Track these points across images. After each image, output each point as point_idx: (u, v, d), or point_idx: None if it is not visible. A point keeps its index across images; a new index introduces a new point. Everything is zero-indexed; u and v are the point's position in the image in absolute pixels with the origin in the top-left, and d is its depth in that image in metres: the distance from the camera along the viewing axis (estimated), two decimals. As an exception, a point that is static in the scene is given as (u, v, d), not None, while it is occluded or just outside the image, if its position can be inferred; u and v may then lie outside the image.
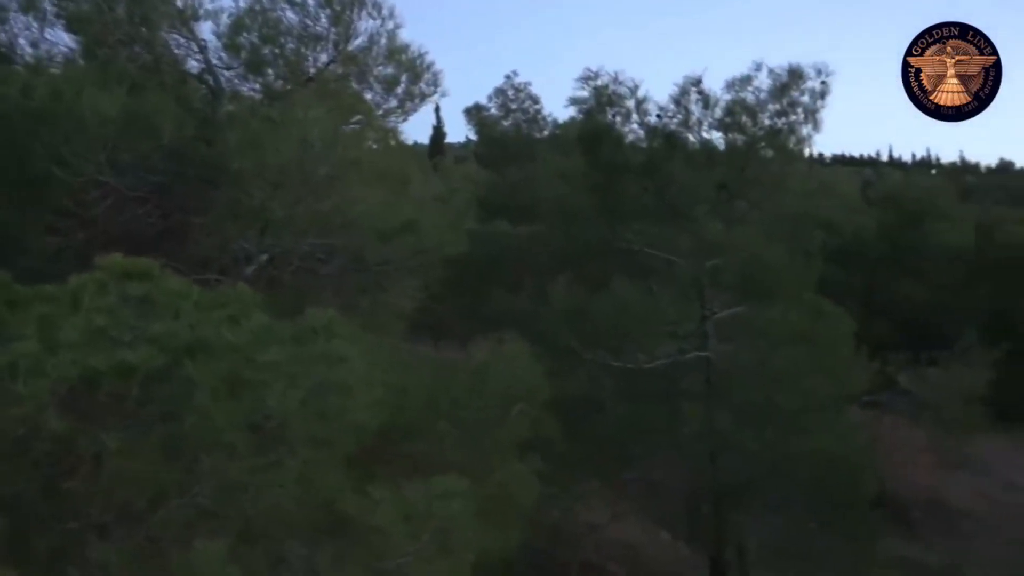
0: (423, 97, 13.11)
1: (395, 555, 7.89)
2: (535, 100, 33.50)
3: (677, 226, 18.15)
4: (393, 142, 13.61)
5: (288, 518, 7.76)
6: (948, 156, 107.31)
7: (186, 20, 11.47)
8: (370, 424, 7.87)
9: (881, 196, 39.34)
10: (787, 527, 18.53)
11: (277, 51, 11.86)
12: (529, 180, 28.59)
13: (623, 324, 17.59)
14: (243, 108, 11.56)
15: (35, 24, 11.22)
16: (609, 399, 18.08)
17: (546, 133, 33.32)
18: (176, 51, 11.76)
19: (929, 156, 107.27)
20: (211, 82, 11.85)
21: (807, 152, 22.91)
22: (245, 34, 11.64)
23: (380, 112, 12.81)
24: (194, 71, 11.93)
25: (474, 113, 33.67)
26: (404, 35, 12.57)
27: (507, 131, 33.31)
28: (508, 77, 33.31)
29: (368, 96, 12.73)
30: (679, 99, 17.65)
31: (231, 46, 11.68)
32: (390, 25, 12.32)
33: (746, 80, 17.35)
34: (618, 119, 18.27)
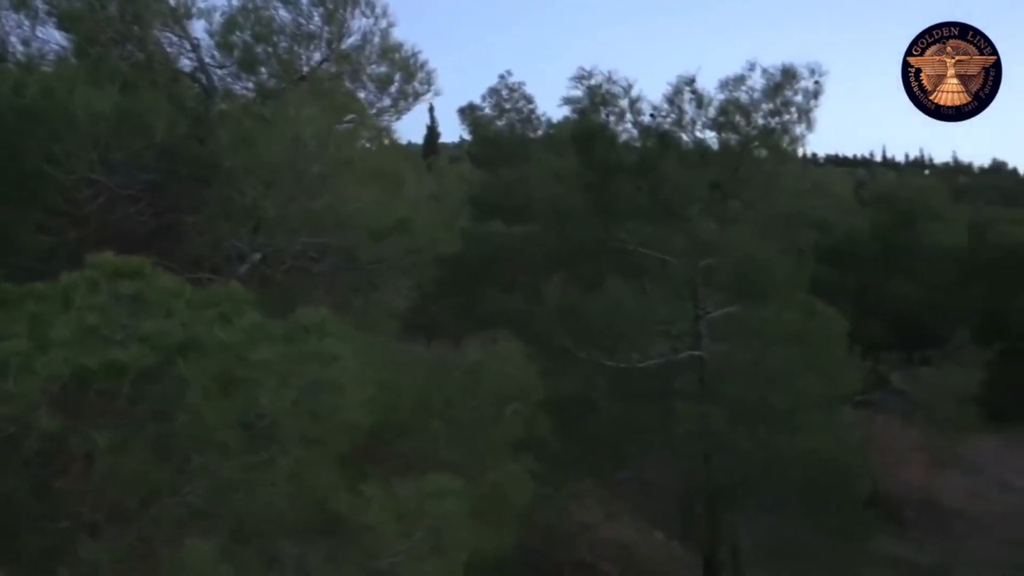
0: (416, 96, 13.09)
1: (388, 554, 7.88)
2: (529, 100, 33.44)
3: (671, 226, 18.15)
4: (386, 141, 13.59)
5: (280, 517, 7.74)
6: (941, 156, 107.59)
7: (179, 18, 11.44)
8: (363, 423, 7.86)
9: (874, 196, 39.44)
10: (780, 526, 18.53)
11: (270, 49, 11.82)
12: (523, 180, 28.55)
13: (617, 323, 17.59)
14: (236, 107, 11.52)
15: (26, 22, 11.17)
16: (603, 398, 18.07)
17: (540, 133, 33.24)
18: (168, 49, 11.72)
19: (922, 156, 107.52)
20: (204, 80, 11.82)
21: (800, 152, 22.95)
22: (238, 32, 11.60)
23: (373, 111, 12.78)
24: (187, 69, 11.89)
25: (468, 113, 33.62)
26: (397, 34, 12.55)
27: (501, 131, 33.24)
28: (502, 77, 33.25)
29: (361, 95, 12.70)
30: (673, 98, 17.66)
31: (224, 44, 11.65)
32: (383, 24, 12.30)
33: (740, 80, 17.37)
34: (612, 118, 18.30)
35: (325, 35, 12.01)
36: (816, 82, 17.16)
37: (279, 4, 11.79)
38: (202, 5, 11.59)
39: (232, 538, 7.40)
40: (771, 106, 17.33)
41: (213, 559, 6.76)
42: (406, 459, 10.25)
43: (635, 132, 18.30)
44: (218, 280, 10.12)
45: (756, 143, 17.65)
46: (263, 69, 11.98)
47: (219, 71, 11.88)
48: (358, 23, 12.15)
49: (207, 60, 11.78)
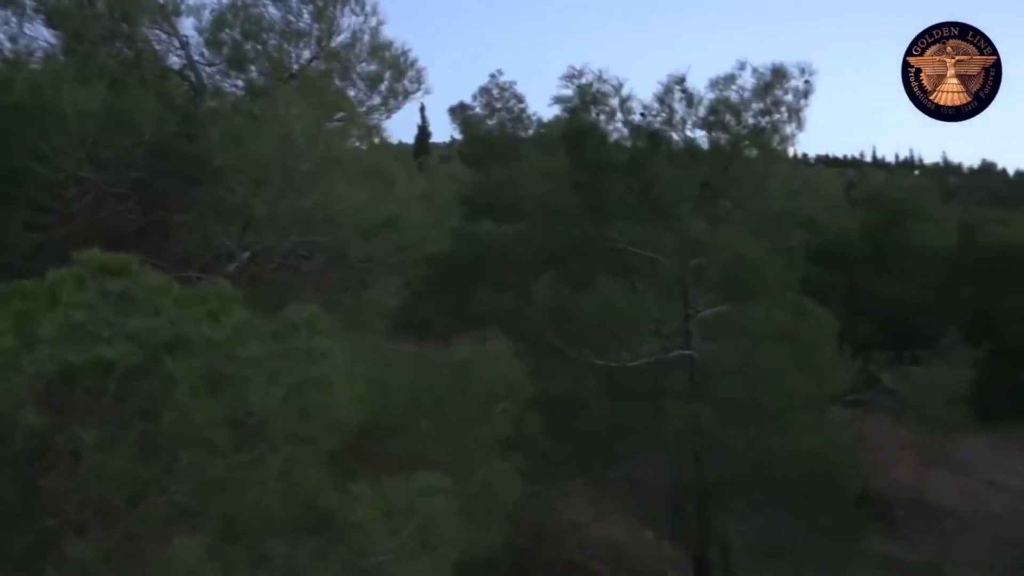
0: (406, 94, 13.07)
1: (377, 552, 7.85)
2: (520, 99, 33.48)
3: (661, 225, 18.15)
4: (376, 139, 13.57)
5: (270, 515, 7.70)
6: (931, 157, 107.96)
7: (167, 16, 11.40)
8: (352, 421, 7.83)
9: (864, 196, 39.50)
10: (771, 526, 18.55)
11: (259, 47, 11.80)
12: (513, 179, 28.54)
13: (607, 322, 17.58)
14: (225, 104, 11.49)
15: (14, 19, 11.12)
16: (593, 397, 18.06)
17: (531, 132, 33.25)
18: (157, 47, 11.68)
19: (912, 157, 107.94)
20: (193, 78, 11.79)
21: (791, 151, 22.96)
22: (227, 30, 11.58)
23: (363, 109, 12.76)
24: (176, 67, 11.86)
25: (459, 112, 33.62)
26: (387, 33, 12.54)
27: (492, 130, 33.25)
28: (493, 76, 33.26)
29: (351, 93, 12.68)
30: (663, 98, 17.66)
31: (213, 42, 11.62)
32: (373, 22, 12.30)
33: (730, 79, 17.36)
34: (602, 118, 18.27)
35: (315, 33, 11.99)
36: (806, 82, 17.19)
37: (268, 2, 11.79)
38: (191, 2, 11.60)
39: (221, 537, 7.36)
40: (761, 105, 17.33)
41: (200, 557, 6.72)
42: (396, 458, 10.22)
43: (625, 131, 18.30)
44: (207, 278, 10.07)
45: (746, 142, 17.65)
46: (252, 67, 11.96)
47: (208, 69, 11.86)
48: (348, 21, 12.16)
49: (196, 58, 11.75)
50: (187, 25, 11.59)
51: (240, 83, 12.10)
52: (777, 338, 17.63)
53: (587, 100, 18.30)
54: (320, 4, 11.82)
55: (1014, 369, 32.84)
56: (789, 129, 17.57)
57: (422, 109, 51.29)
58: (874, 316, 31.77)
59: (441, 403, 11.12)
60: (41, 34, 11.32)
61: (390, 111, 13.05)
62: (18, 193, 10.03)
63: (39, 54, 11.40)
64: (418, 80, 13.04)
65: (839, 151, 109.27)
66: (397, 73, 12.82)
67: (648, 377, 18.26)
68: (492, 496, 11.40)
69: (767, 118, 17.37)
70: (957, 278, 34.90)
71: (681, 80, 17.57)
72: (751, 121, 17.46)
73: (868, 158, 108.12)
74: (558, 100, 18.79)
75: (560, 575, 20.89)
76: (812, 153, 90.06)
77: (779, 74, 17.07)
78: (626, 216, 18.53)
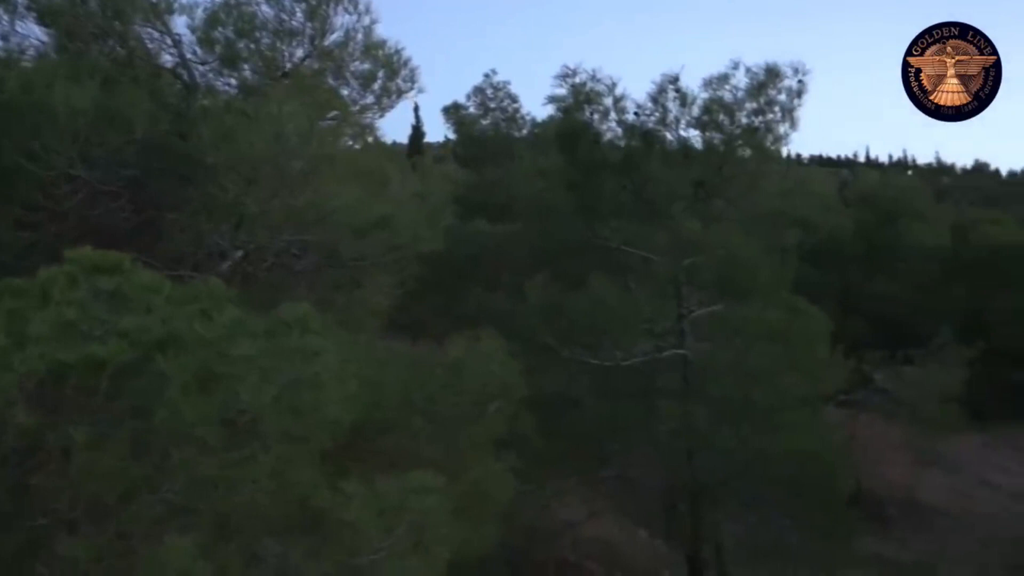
0: (400, 93, 13.03)
1: (369, 551, 7.84)
2: (514, 99, 33.37)
3: (654, 224, 18.17)
4: (370, 139, 13.56)
5: (262, 514, 7.69)
6: (924, 157, 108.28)
7: (160, 14, 11.34)
8: (344, 419, 7.81)
9: (858, 196, 39.61)
10: (764, 525, 18.61)
11: (252, 46, 11.74)
12: (507, 178, 28.55)
13: (600, 321, 17.60)
14: (218, 103, 11.44)
15: (6, 17, 11.05)
16: (586, 396, 18.09)
17: (525, 132, 33.21)
18: (150, 45, 11.61)
19: (905, 157, 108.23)
20: (185, 76, 11.73)
21: (784, 151, 23.02)
22: (220, 28, 11.52)
23: (356, 108, 12.72)
24: (168, 65, 11.78)
25: (452, 112, 33.51)
26: (381, 32, 12.50)
27: (485, 130, 33.16)
28: (487, 76, 33.19)
29: (344, 92, 12.63)
30: (657, 97, 17.68)
31: (206, 40, 11.57)
32: (366, 20, 12.24)
33: (723, 78, 17.40)
34: (596, 117, 18.29)
35: (308, 31, 11.95)
36: (800, 81, 17.23)
37: (261, 0, 11.73)
38: (184, 1, 11.51)
39: (212, 535, 7.35)
40: (755, 105, 17.37)
41: (192, 556, 6.70)
42: (388, 456, 10.22)
43: (619, 131, 18.32)
44: (200, 277, 10.04)
45: (740, 142, 17.69)
46: (245, 65, 11.91)
47: (201, 67, 11.79)
48: (341, 20, 12.10)
49: (189, 56, 11.69)
50: (180, 23, 11.53)
51: (233, 81, 12.05)
52: (770, 337, 17.67)
53: (581, 100, 18.31)
54: (313, 3, 11.78)
55: (1007, 369, 32.99)
56: (782, 129, 17.61)
57: (416, 109, 51.30)
58: (867, 315, 31.90)
59: (434, 402, 11.12)
60: (33, 32, 11.27)
61: (383, 110, 13.01)
62: (9, 191, 9.98)
63: (31, 52, 11.34)
64: (411, 79, 13.00)
65: (832, 151, 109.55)
66: (390, 72, 12.78)
67: (641, 376, 18.29)
68: (485, 495, 11.39)
69: (760, 118, 17.40)
70: (950, 278, 35.04)
71: (675, 79, 17.60)
72: (744, 121, 17.49)
73: (861, 158, 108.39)
74: (552, 100, 18.83)
75: (554, 574, 20.91)
76: (806, 153, 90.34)
77: (772, 74, 17.11)
78: (619, 215, 18.56)
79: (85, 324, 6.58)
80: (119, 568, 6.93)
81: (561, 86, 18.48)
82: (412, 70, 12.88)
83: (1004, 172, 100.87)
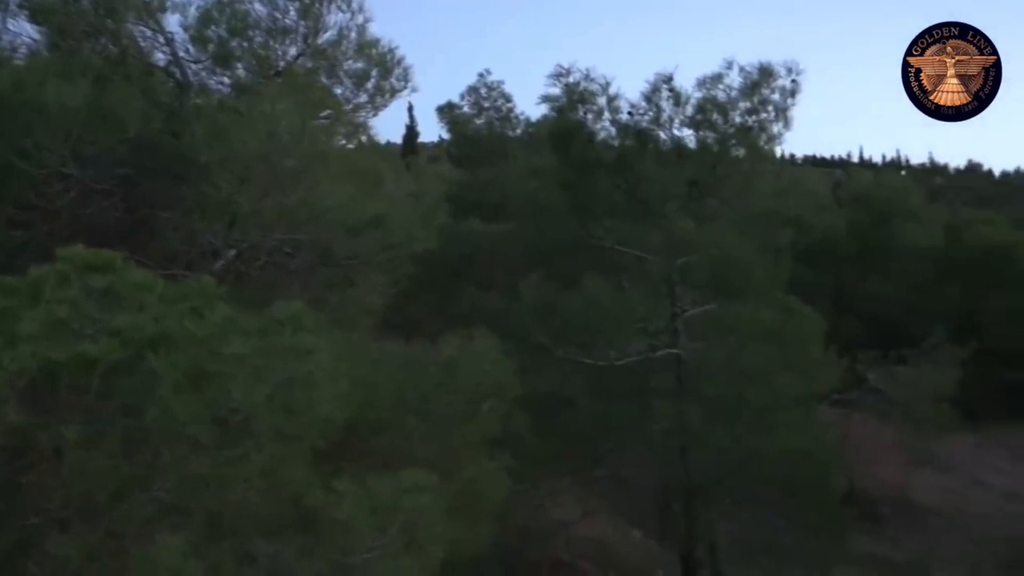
0: (393, 92, 13.00)
1: (362, 550, 7.82)
2: (508, 98, 33.39)
3: (648, 223, 18.18)
4: (363, 138, 13.52)
5: (254, 513, 7.67)
6: (917, 157, 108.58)
7: (153, 12, 11.29)
8: (337, 418, 7.79)
9: (851, 196, 39.66)
10: (757, 524, 18.62)
11: (245, 44, 11.72)
12: (501, 178, 28.56)
13: (594, 321, 17.61)
14: (210, 101, 11.41)
15: (-2, 15, 11.04)
16: (580, 396, 18.09)
17: (519, 132, 33.22)
18: (142, 43, 11.57)
19: (899, 157, 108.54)
20: (178, 75, 11.69)
21: (778, 150, 23.03)
22: (213, 27, 11.48)
23: (350, 107, 12.69)
24: (161, 64, 11.75)
25: (446, 111, 33.52)
26: (375, 30, 12.48)
27: (479, 129, 33.18)
28: (481, 75, 33.20)
29: (338, 91, 12.60)
30: (650, 96, 17.68)
31: (198, 39, 11.53)
32: (360, 19, 12.21)
33: (717, 78, 17.41)
34: (589, 116, 18.28)
35: (301, 30, 11.92)
36: (793, 81, 17.24)
37: (254, -2, 11.70)
38: (177, -1, 11.48)
39: (204, 534, 7.33)
40: (748, 104, 17.38)
41: (183, 555, 6.68)
42: (382, 456, 10.20)
43: (613, 130, 18.34)
44: (193, 276, 10.01)
45: (733, 141, 17.69)
46: (238, 64, 11.88)
47: (194, 65, 11.76)
48: (334, 18, 12.07)
49: (182, 54, 11.65)
50: (172, 22, 11.49)
51: (226, 80, 12.01)
52: (764, 337, 17.68)
53: (574, 99, 18.31)
54: (306, 1, 11.75)
55: (1000, 369, 33.06)
56: (776, 128, 17.64)
57: (410, 109, 51.41)
58: (860, 315, 31.98)
59: (427, 401, 11.10)
60: (25, 30, 11.24)
61: (377, 109, 12.99)
62: (1, 190, 9.95)
63: (23, 50, 11.32)
64: (405, 78, 12.97)
65: (826, 151, 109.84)
66: (384, 71, 12.76)
67: (635, 375, 18.30)
68: (479, 494, 11.38)
69: (754, 117, 17.42)
70: (943, 278, 35.13)
71: (668, 79, 17.62)
72: (738, 120, 17.50)
73: (855, 158, 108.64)
74: (545, 99, 18.83)
75: (548, 574, 20.90)
76: (799, 153, 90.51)
77: (766, 73, 17.12)
78: (613, 215, 18.56)
79: (77, 323, 6.56)
80: (111, 567, 6.91)
81: (555, 85, 18.50)
82: (406, 69, 12.86)
83: (997, 172, 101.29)
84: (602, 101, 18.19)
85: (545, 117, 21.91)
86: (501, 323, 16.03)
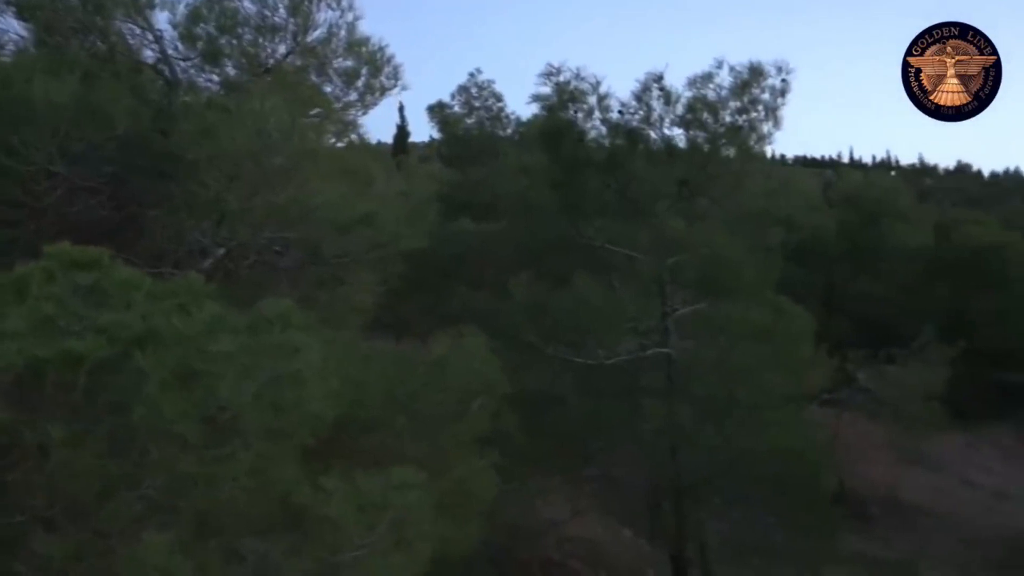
0: (383, 91, 12.96)
1: (350, 547, 7.79)
2: (498, 98, 33.38)
3: (638, 223, 18.17)
4: (353, 136, 13.48)
5: (242, 512, 7.63)
6: (907, 158, 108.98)
7: (141, 9, 11.23)
8: (326, 416, 7.76)
9: (841, 196, 39.79)
10: (747, 523, 18.66)
11: (234, 42, 11.67)
12: (491, 177, 28.55)
13: (584, 320, 17.61)
14: (199, 99, 11.36)
15: (-16, 12, 10.97)
16: (570, 394, 18.08)
17: (509, 131, 33.22)
18: (131, 40, 11.51)
19: (888, 158, 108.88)
20: (167, 72, 11.64)
21: (768, 150, 23.05)
22: (202, 24, 11.43)
23: (339, 105, 12.65)
24: (149, 61, 11.70)
25: (437, 111, 33.49)
26: (365, 29, 12.45)
27: (470, 129, 33.16)
28: (472, 75, 33.18)
29: (327, 89, 12.56)
30: (641, 95, 17.65)
31: (187, 36, 11.48)
32: (349, 17, 12.16)
33: (707, 77, 17.38)
34: (580, 115, 18.24)
35: (290, 28, 11.88)
36: (783, 80, 17.23)
37: (244, -4, 11.65)
38: (165, -5, 11.42)
39: (192, 533, 7.29)
40: (738, 104, 17.36)
41: (169, 553, 6.64)
42: (371, 454, 10.15)
43: (603, 129, 18.28)
44: (181, 274, 9.96)
45: (724, 141, 17.69)
46: (227, 61, 11.83)
47: (182, 63, 11.71)
48: (324, 16, 12.02)
49: (170, 52, 11.59)
50: (161, 19, 11.43)
51: (215, 78, 11.96)
52: (754, 336, 17.70)
53: (565, 98, 18.27)
54: (296, -2, 11.73)
55: (989, 368, 33.19)
56: (766, 127, 17.61)
57: (401, 108, 51.34)
58: (850, 315, 32.09)
59: (417, 399, 11.06)
60: (12, 27, 11.16)
61: (367, 107, 12.95)
62: (-12, 187, 9.89)
63: (10, 47, 11.24)
64: (395, 76, 12.94)
65: (816, 152, 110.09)
66: (374, 69, 12.72)
67: (625, 374, 18.30)
68: (468, 493, 11.36)
69: (744, 116, 17.40)
70: (933, 278, 35.26)
71: (659, 78, 17.58)
72: (728, 119, 17.48)
73: (845, 159, 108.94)
74: (536, 98, 18.78)
75: (538, 573, 20.89)
76: (790, 154, 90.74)
77: (756, 72, 17.10)
78: (603, 214, 18.55)
79: (63, 320, 6.52)
80: (97, 566, 6.87)
81: (545, 84, 18.44)
82: (396, 67, 12.83)
83: (987, 173, 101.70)
84: (592, 100, 18.17)
85: (535, 116, 21.90)
86: (491, 322, 16.00)
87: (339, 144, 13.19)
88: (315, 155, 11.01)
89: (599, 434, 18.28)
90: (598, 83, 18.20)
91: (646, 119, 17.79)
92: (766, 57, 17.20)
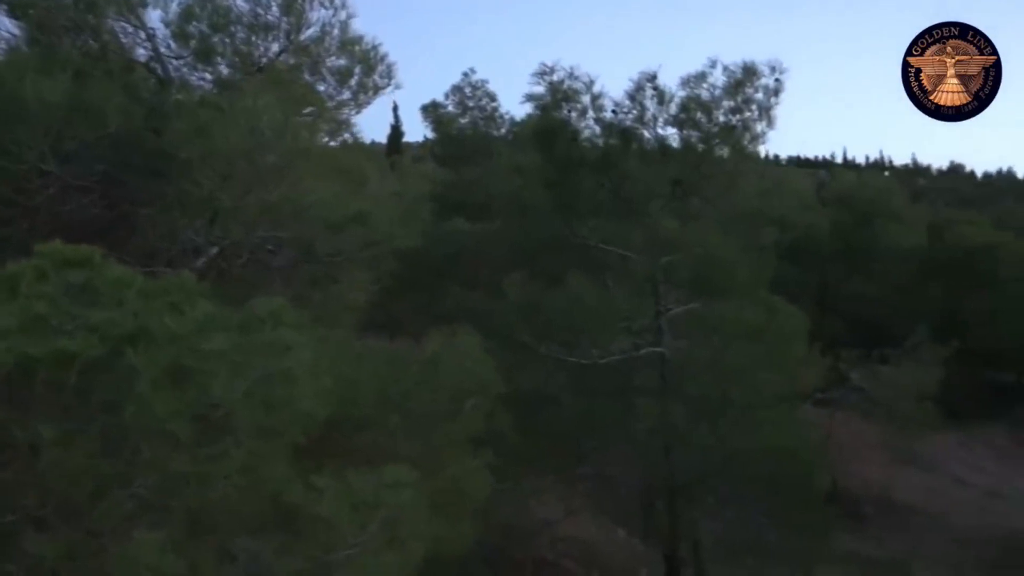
0: (377, 89, 12.95)
1: (343, 546, 7.78)
2: (492, 98, 33.35)
3: (632, 222, 18.15)
4: (347, 135, 13.47)
5: (234, 510, 7.61)
6: (900, 158, 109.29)
7: (134, 7, 11.22)
8: (318, 414, 7.74)
9: (835, 196, 39.87)
10: (741, 522, 18.65)
11: (227, 40, 11.65)
12: (485, 177, 28.53)
13: (578, 319, 17.59)
14: (192, 97, 11.33)
15: (-24, 10, 10.93)
16: (563, 394, 18.06)
17: (503, 131, 33.20)
18: (123, 39, 11.50)
19: (882, 158, 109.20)
20: (159, 71, 11.62)
21: (762, 151, 23.05)
22: (194, 22, 11.41)
23: (333, 104, 12.64)
24: (142, 59, 11.67)
25: (431, 111, 33.44)
26: (358, 27, 12.43)
27: (464, 128, 33.13)
28: (465, 75, 33.14)
29: (321, 88, 12.56)
30: (634, 95, 17.63)
31: (180, 34, 11.46)
32: (343, 15, 12.16)
33: (701, 77, 17.36)
34: (573, 115, 18.21)
35: (283, 26, 11.86)
36: (777, 80, 17.21)
37: (237, -6, 11.63)
38: (158, -6, 11.39)
39: (184, 532, 7.27)
40: (732, 103, 17.34)
41: (160, 551, 6.62)
42: (364, 453, 10.14)
43: (597, 128, 18.25)
44: (173, 273, 9.93)
45: (717, 140, 17.67)
46: (220, 60, 11.81)
47: (175, 61, 11.69)
48: (317, 14, 12.02)
49: (163, 50, 11.58)
50: (154, 17, 11.42)
51: (208, 76, 11.94)
52: (747, 335, 17.71)
53: (558, 97, 18.24)
54: (289, -3, 11.71)
55: (982, 368, 33.30)
56: (760, 127, 17.60)
57: (395, 108, 51.33)
58: (844, 314, 32.15)
59: (410, 398, 11.05)
60: (4, 25, 11.12)
61: (360, 106, 12.93)
62: (-21, 186, 9.85)
63: (1, 46, 11.21)
64: (388, 75, 12.93)
65: (810, 152, 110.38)
66: (367, 68, 12.71)
67: (619, 374, 18.29)
68: (462, 492, 11.35)
69: (738, 116, 17.39)
70: (926, 278, 35.36)
71: (652, 77, 17.56)
72: (722, 119, 17.46)
73: (839, 159, 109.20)
74: (529, 98, 18.75)
75: (532, 573, 20.88)
76: (784, 154, 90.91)
77: (750, 72, 17.09)
78: (597, 213, 18.53)
79: (54, 318, 6.49)
80: (89, 566, 6.85)
81: (539, 84, 18.41)
82: (389, 66, 12.82)
83: (979, 174, 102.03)
84: (586, 99, 18.13)
85: (529, 116, 21.88)
86: (485, 321, 16.00)
87: (332, 143, 13.19)
88: (308, 154, 10.99)
89: (593, 433, 18.27)
90: (592, 82, 18.18)
91: (640, 119, 17.77)
92: (760, 57, 17.21)
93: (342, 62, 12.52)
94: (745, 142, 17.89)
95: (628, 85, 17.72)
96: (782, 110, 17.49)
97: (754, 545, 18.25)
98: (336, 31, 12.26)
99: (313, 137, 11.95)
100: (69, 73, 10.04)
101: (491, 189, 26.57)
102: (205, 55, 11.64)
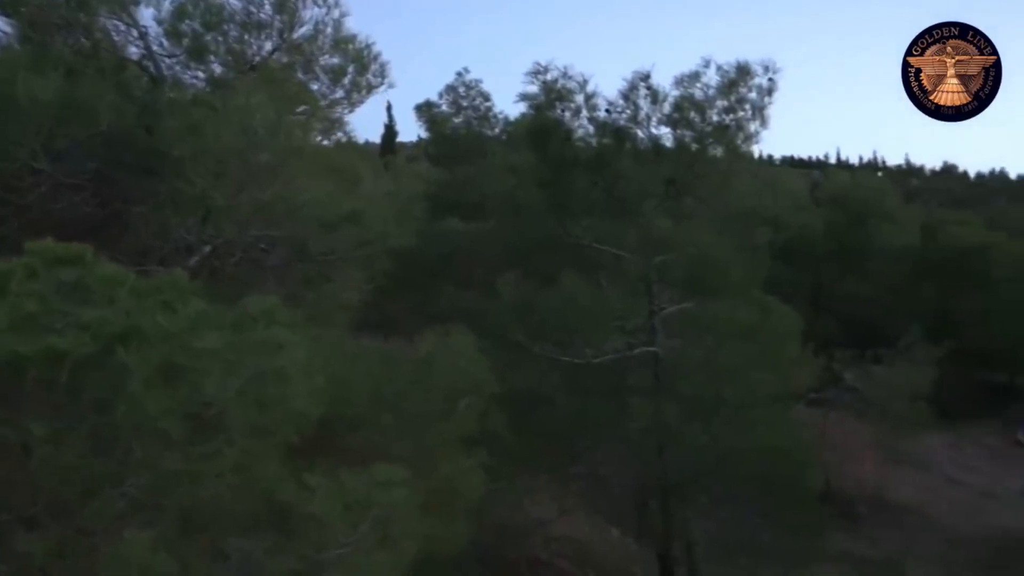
0: (370, 88, 12.94)
1: (335, 545, 7.75)
2: (486, 97, 33.32)
3: (625, 221, 18.14)
4: (340, 134, 13.45)
5: (226, 509, 7.59)
6: (894, 159, 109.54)
7: (126, 5, 11.19)
8: (311, 413, 7.72)
9: (829, 196, 39.96)
10: (734, 522, 18.66)
11: (220, 38, 11.63)
12: (479, 176, 28.51)
13: (571, 319, 17.58)
14: (184, 95, 11.30)
15: (-33, 8, 10.89)
16: (557, 393, 18.05)
17: (497, 130, 33.17)
18: (116, 37, 11.47)
19: (875, 158, 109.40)
20: (152, 69, 11.59)
21: (755, 151, 23.07)
22: (187, 21, 11.40)
23: (326, 103, 12.62)
24: (134, 58, 11.64)
25: (425, 110, 33.40)
26: (352, 26, 12.42)
27: (458, 128, 33.09)
28: (459, 74, 33.11)
29: (314, 86, 12.54)
30: (628, 94, 17.62)
31: (173, 33, 11.44)
32: (336, 14, 12.16)
33: (694, 76, 17.36)
34: (567, 114, 18.20)
35: (276, 24, 11.84)
36: (770, 79, 17.22)
37: (229, -8, 11.60)
38: (150, -8, 11.35)
39: (176, 531, 7.24)
40: (726, 103, 17.34)
41: (151, 550, 6.59)
42: (357, 452, 10.11)
43: (590, 128, 18.25)
44: (166, 272, 9.90)
45: (711, 140, 17.67)
46: (213, 58, 11.78)
47: (168, 60, 11.66)
48: (310, 13, 12.01)
49: (155, 48, 11.55)
50: (146, 15, 11.40)
51: (200, 74, 11.92)
52: (741, 335, 17.71)
53: (552, 97, 18.22)
54: (282, -5, 11.69)
55: (975, 368, 33.37)
56: (753, 127, 17.60)
57: (389, 108, 51.20)
58: (837, 314, 32.22)
59: (404, 398, 11.04)
60: (-5, 23, 11.11)
61: (353, 105, 12.92)
62: (-29, 185, 9.81)
63: (-7, 44, 11.18)
64: (382, 74, 12.92)
65: (804, 152, 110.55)
66: (360, 67, 12.69)
67: (612, 373, 18.28)
68: (455, 492, 11.34)
69: (731, 115, 17.39)
70: (919, 278, 35.45)
71: (646, 77, 17.56)
72: (716, 118, 17.46)
73: (832, 159, 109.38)
74: (523, 97, 18.73)
75: (525, 572, 20.86)
76: (777, 154, 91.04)
77: (743, 71, 17.09)
78: (591, 213, 18.51)
79: (45, 316, 6.45)
80: (80, 565, 6.82)
81: (532, 83, 18.39)
82: (382, 65, 12.81)
83: (972, 174, 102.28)
84: (580, 99, 18.13)
85: (523, 115, 21.86)
86: (479, 321, 15.97)
87: (326, 142, 13.16)
88: (301, 152, 10.98)
89: (586, 433, 18.27)
90: (585, 82, 18.18)
91: (633, 118, 17.77)
92: (753, 56, 17.21)
93: (335, 61, 12.51)
94: (739, 142, 17.89)
95: (622, 84, 17.75)
96: (776, 110, 17.52)
97: (748, 545, 18.26)
98: (329, 30, 12.26)
99: (306, 136, 11.93)
100: (61, 71, 10.01)
101: (485, 189, 26.55)
102: (198, 53, 11.61)
